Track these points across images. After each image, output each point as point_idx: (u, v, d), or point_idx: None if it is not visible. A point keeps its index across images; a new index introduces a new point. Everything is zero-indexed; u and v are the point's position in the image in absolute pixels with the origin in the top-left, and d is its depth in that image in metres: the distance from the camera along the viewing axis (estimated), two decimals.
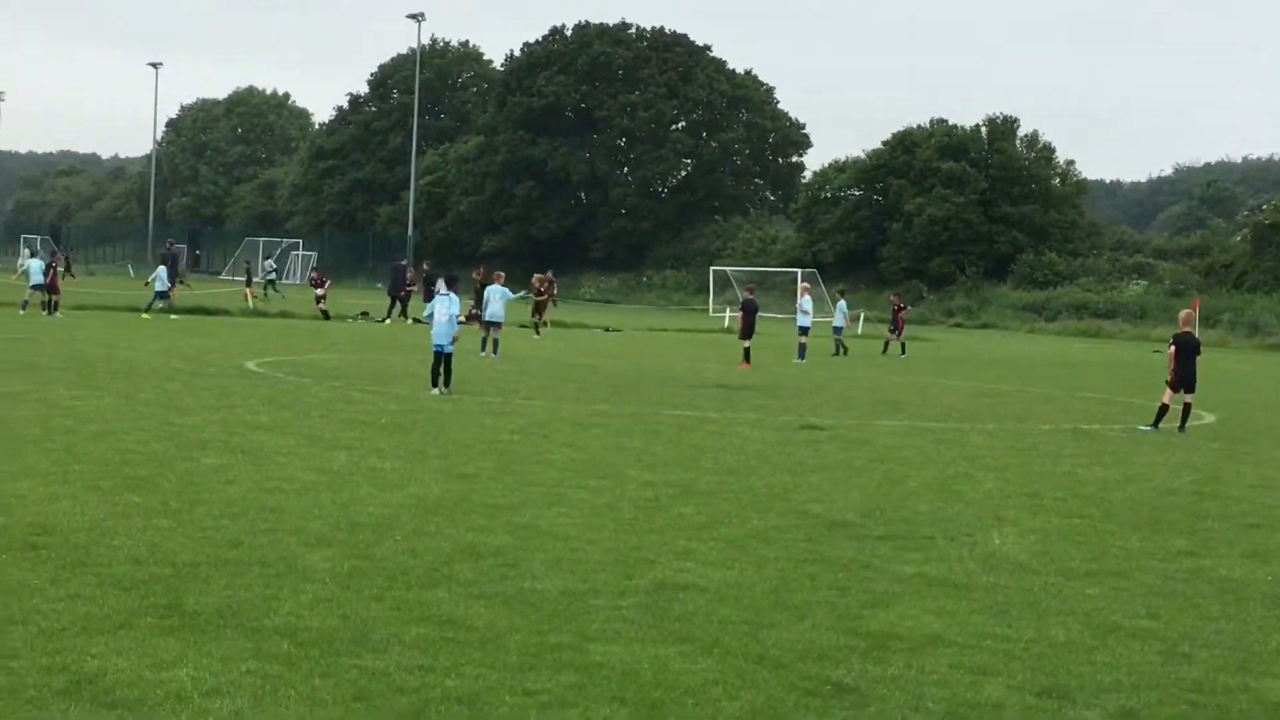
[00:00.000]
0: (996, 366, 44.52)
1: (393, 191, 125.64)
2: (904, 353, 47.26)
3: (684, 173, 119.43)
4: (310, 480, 14.75)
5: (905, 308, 51.96)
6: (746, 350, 38.42)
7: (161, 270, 51.28)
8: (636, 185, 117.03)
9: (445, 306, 26.06)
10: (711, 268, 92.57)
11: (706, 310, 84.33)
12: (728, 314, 72.03)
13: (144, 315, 47.63)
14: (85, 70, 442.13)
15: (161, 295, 49.59)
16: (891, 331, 49.98)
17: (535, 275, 54.23)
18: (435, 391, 25.20)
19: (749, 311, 40.05)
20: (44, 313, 44.77)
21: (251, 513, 12.78)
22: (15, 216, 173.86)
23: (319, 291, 56.20)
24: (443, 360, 25.49)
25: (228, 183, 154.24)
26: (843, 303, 49.61)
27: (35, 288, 46.12)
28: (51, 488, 13.50)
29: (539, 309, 51.48)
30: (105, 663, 7.98)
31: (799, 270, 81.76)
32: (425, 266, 57.86)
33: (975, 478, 17.61)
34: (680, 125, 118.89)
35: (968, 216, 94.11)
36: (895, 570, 11.70)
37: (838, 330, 47.59)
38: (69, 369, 26.39)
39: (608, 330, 55.91)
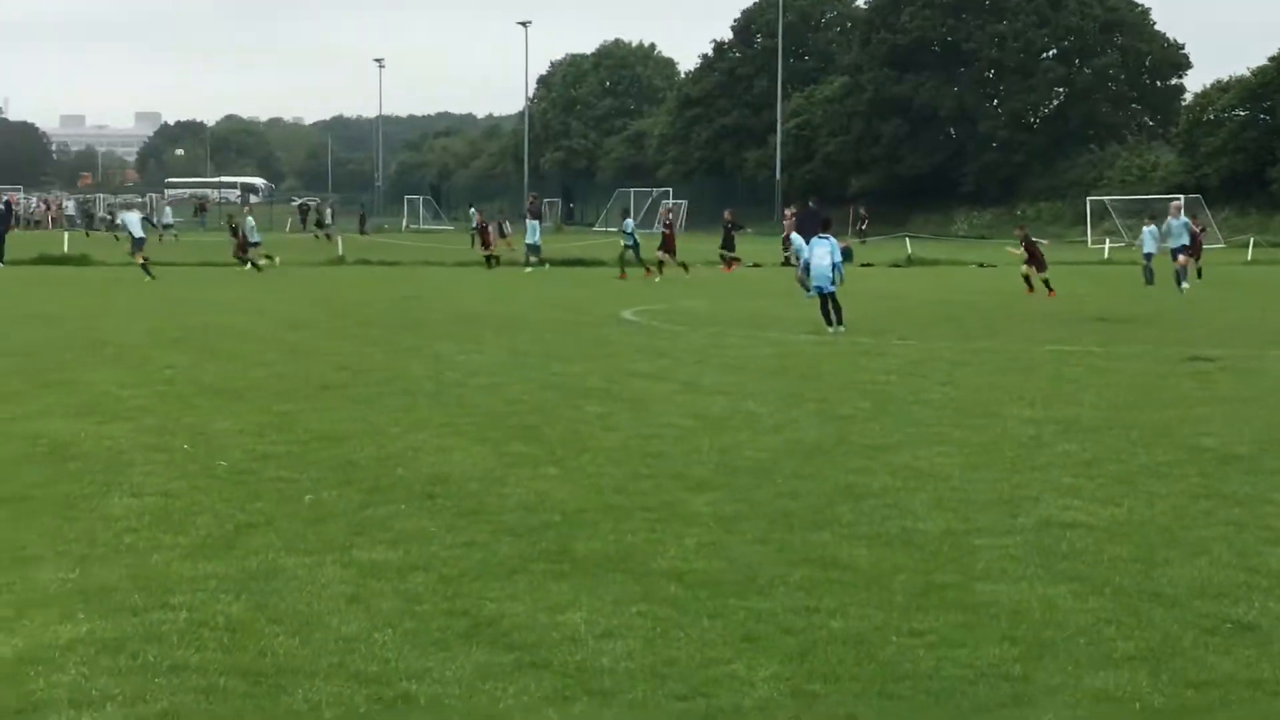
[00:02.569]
0: None
1: (759, 136, 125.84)
2: (1200, 277, 44.80)
3: (1056, 102, 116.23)
4: (689, 426, 14.95)
5: (1204, 230, 49.64)
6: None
7: (534, 224, 52.60)
8: (1006, 118, 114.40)
9: (827, 250, 26.26)
10: (1088, 198, 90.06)
11: (1085, 242, 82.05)
12: (1107, 244, 69.95)
13: (526, 270, 49.06)
14: (459, 33, 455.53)
15: (533, 249, 50.84)
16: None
17: (727, 211, 53.85)
18: (831, 330, 25.65)
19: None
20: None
21: (634, 459, 13.03)
22: (399, 178, 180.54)
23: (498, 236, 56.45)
24: (829, 299, 25.85)
25: (598, 136, 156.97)
26: (1151, 228, 46.77)
27: (255, 245, 48.90)
28: (445, 439, 14.02)
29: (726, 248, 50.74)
30: (502, 607, 8.25)
31: (1179, 197, 78.79)
32: (790, 212, 57.60)
33: None
34: (1051, 54, 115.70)
35: None
36: None
37: (1147, 258, 45.00)
38: (454, 324, 27.34)
39: (981, 266, 54.98)
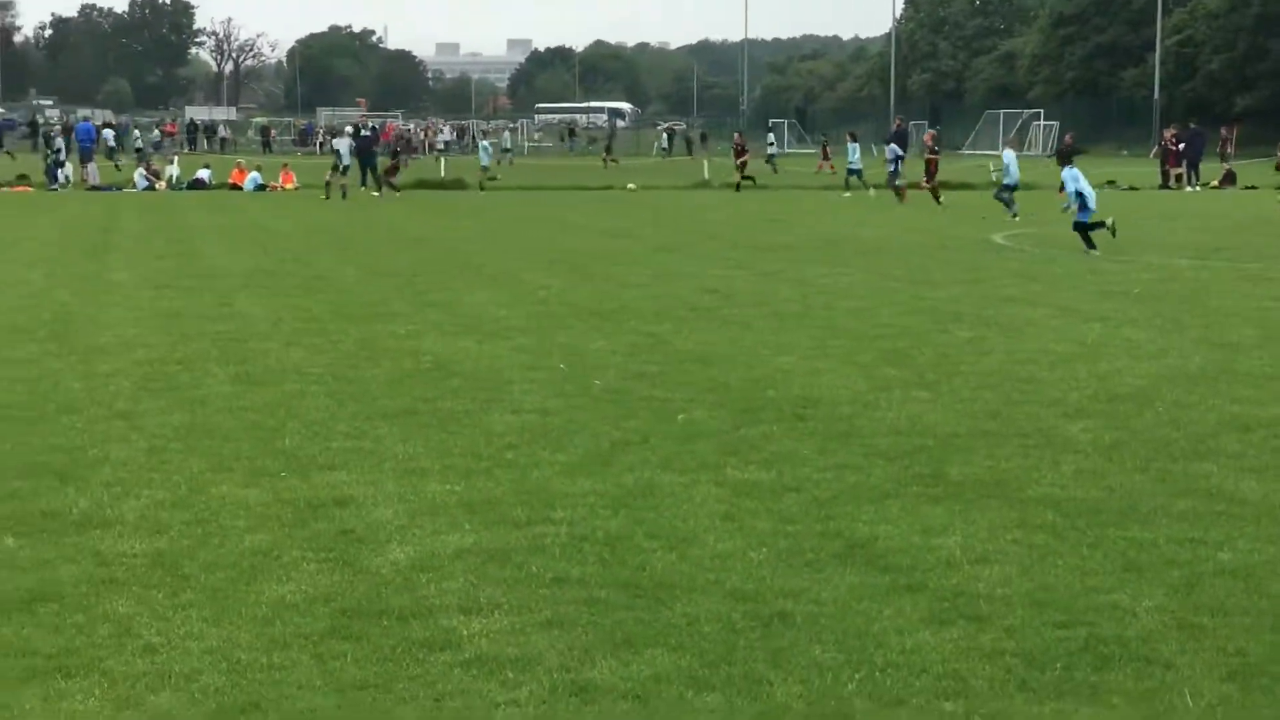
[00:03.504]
0: None
1: (1137, 54, 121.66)
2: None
3: None
4: (1065, 352, 14.61)
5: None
6: None
7: (854, 146, 50.06)
8: None
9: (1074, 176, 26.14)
10: None
11: None
12: None
13: (844, 195, 47.65)
14: None
15: (853, 172, 49.21)
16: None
17: (928, 132, 50.14)
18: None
19: None
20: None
21: (1007, 384, 12.81)
22: (763, 101, 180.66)
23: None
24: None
25: (966, 56, 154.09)
26: None
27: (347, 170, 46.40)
28: (814, 362, 14.03)
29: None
30: (875, 529, 8.23)
31: None
32: (1170, 133, 55.42)
33: None
34: None
35: None
36: None
37: None
38: (818, 248, 27.29)
39: None
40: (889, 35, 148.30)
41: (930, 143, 44.26)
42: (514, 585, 7.24)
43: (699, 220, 35.84)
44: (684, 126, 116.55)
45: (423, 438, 10.58)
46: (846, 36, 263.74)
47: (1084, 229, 25.90)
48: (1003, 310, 18.02)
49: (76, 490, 9.00)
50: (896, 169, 45.01)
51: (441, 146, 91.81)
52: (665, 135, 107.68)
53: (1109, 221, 25.78)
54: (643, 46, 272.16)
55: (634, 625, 6.68)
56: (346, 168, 45.98)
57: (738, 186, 50.50)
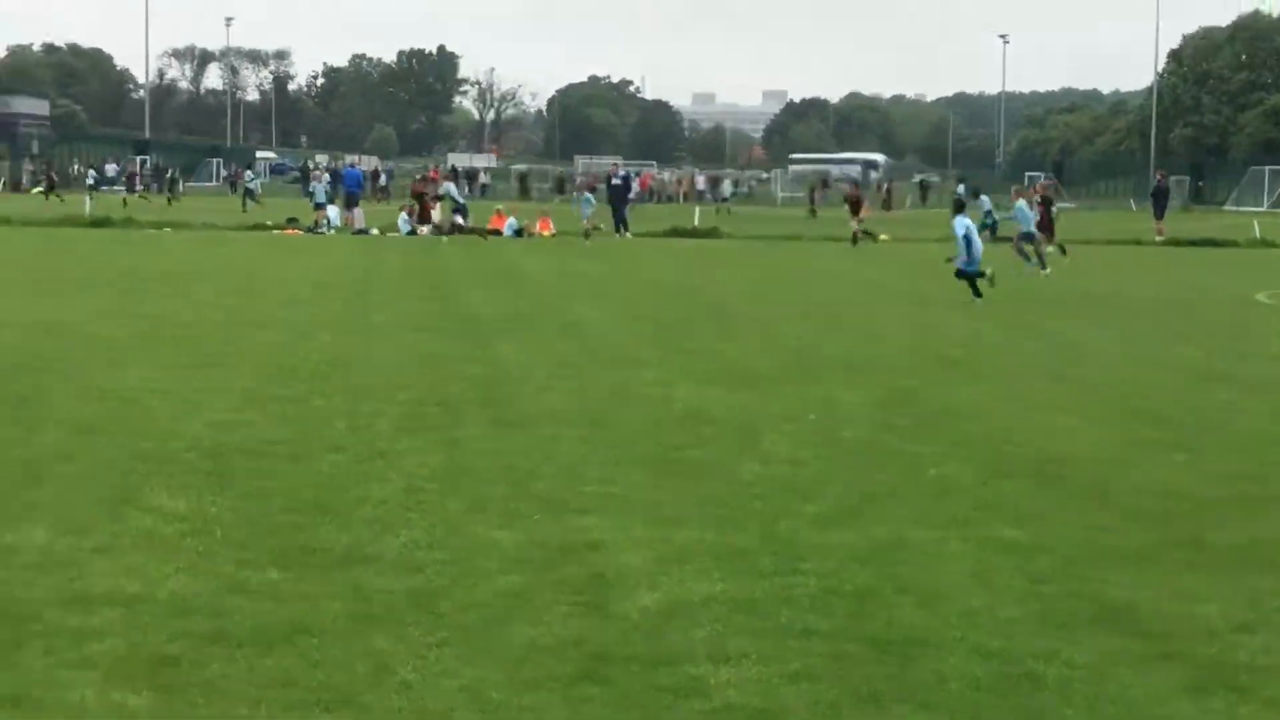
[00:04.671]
0: None
1: None
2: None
3: None
4: None
5: None
6: None
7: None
8: None
9: None
10: None
11: None
12: None
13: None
14: (1085, 6, 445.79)
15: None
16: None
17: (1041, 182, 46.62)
18: None
19: None
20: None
21: (1266, 447, 12.47)
22: (1019, 155, 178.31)
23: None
24: None
25: (1231, 111, 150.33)
26: None
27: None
28: (1066, 419, 13.82)
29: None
30: (1130, 593, 8.07)
31: None
32: None
33: None
34: None
35: None
36: None
37: None
38: (1070, 302, 26.86)
39: None
40: (1150, 89, 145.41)
41: (1041, 193, 40.19)
42: (762, 635, 7.27)
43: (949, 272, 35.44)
44: (938, 179, 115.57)
45: (673, 485, 10.68)
46: (1106, 90, 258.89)
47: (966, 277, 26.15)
48: (1265, 370, 17.52)
49: (338, 526, 9.28)
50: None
51: (701, 194, 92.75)
52: (919, 186, 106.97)
53: (988, 271, 26.02)
54: (898, 98, 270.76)
55: (882, 681, 6.66)
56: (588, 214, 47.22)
57: (854, 239, 47.30)
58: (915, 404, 14.62)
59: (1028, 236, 35.12)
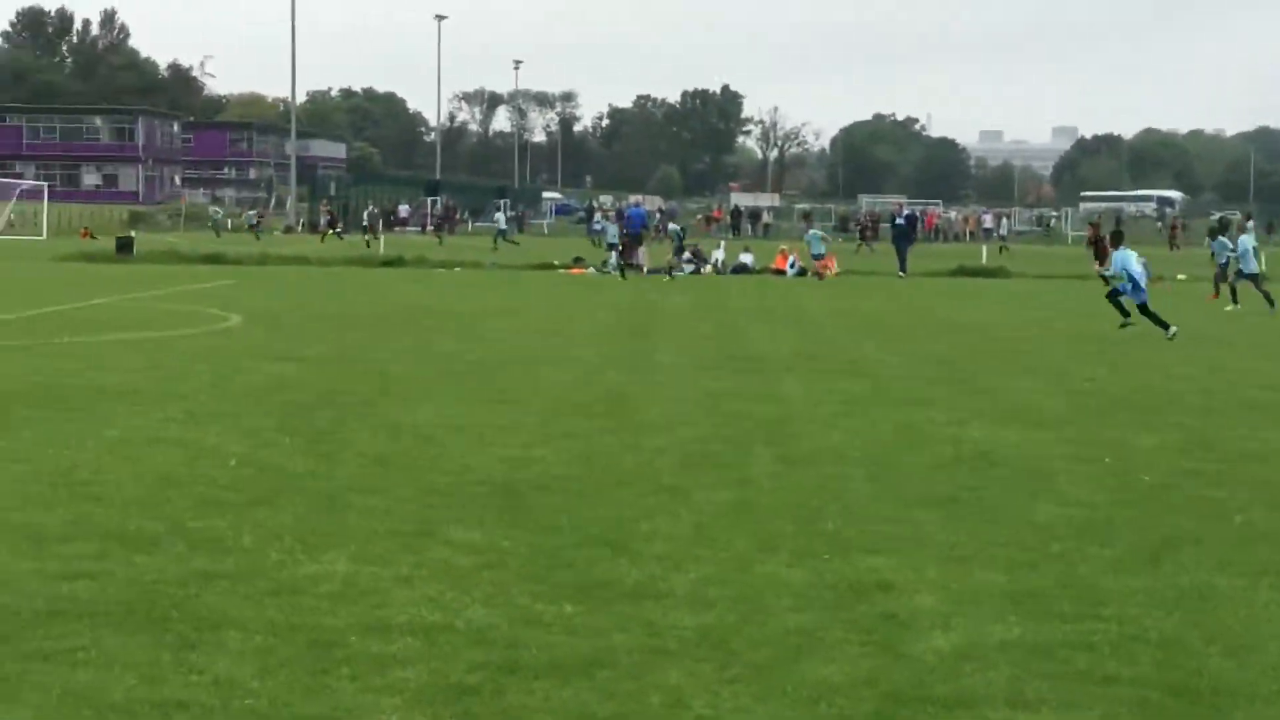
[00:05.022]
0: None
1: None
2: None
3: None
4: None
5: None
6: None
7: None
8: None
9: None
10: None
11: None
12: None
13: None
14: None
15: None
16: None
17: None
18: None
19: None
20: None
21: None
22: None
23: None
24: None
25: None
26: None
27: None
28: None
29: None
30: None
31: None
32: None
33: None
34: None
35: None
36: None
37: None
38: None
39: None
40: None
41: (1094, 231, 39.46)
42: (1061, 681, 7.07)
43: (1247, 309, 34.29)
44: (1238, 216, 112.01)
45: (965, 526, 10.49)
46: None
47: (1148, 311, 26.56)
48: None
49: (629, 561, 9.33)
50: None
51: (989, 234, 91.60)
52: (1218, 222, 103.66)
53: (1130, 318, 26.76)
54: (1196, 133, 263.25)
55: None
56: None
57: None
58: (1215, 447, 14.14)
59: (1251, 277, 34.21)
